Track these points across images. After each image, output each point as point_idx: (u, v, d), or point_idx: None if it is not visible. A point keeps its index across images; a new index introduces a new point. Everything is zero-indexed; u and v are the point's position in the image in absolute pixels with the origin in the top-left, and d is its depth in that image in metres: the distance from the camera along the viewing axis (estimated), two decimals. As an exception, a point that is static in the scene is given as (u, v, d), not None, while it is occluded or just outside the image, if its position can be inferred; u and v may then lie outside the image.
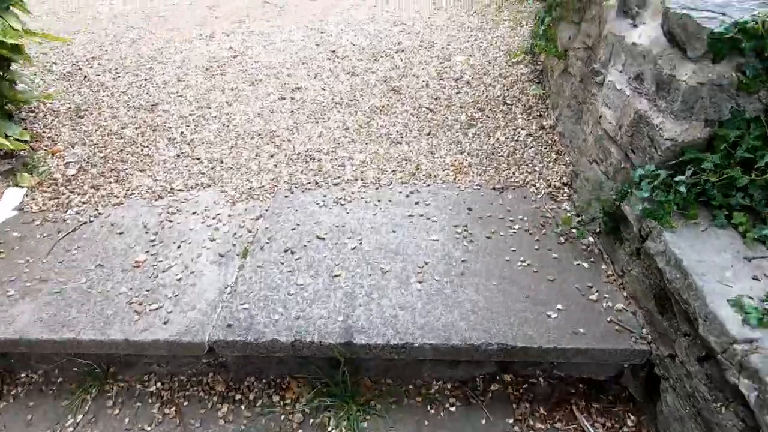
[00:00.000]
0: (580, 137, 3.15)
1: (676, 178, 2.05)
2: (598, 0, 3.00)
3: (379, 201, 3.09)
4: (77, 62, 5.21)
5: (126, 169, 3.54)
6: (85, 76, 4.87)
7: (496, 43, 5.34)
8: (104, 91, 4.61)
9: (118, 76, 4.89)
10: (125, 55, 5.35)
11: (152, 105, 4.38)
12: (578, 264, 2.57)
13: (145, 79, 4.83)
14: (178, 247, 2.81)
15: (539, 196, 3.08)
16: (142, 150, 3.75)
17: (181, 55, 5.37)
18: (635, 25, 2.50)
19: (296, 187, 3.27)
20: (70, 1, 7.12)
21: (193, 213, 3.07)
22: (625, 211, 2.33)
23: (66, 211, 3.15)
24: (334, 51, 5.37)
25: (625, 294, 2.39)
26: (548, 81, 4.19)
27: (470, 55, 5.10)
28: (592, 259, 2.59)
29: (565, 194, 3.09)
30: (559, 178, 3.22)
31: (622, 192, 2.32)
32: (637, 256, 2.32)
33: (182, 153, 3.71)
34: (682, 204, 2.05)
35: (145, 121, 4.12)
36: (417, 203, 3.05)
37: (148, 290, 2.52)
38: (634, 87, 2.42)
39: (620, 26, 2.63)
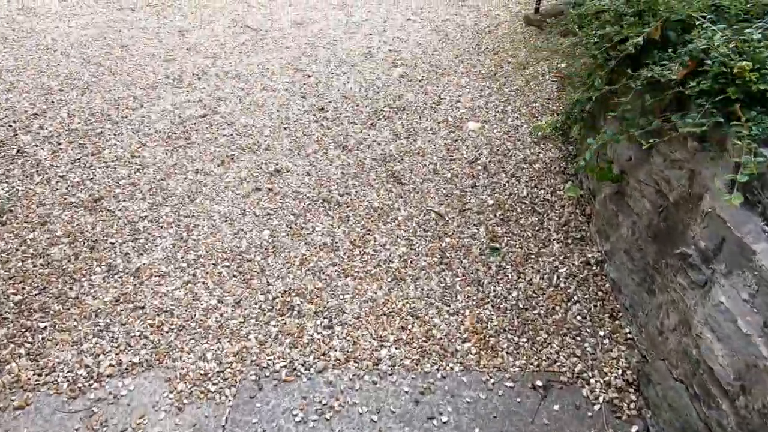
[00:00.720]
0: (652, 320, 2.21)
1: None
2: (687, 144, 2.00)
3: (378, 412, 2.15)
4: (15, 122, 4.14)
5: (45, 327, 2.57)
6: (19, 149, 3.82)
7: (514, 101, 4.31)
8: (39, 175, 3.57)
9: (60, 148, 3.84)
10: (74, 111, 4.28)
11: (95, 200, 3.37)
12: None
13: (93, 153, 3.79)
14: None
15: (597, 408, 2.15)
16: (71, 289, 2.76)
17: (141, 110, 4.31)
18: (777, 237, 1.53)
19: (266, 376, 2.32)
20: (21, 23, 5.94)
21: (123, 431, 2.11)
22: None
23: (-53, 421, 2.18)
24: (322, 108, 4.32)
25: None
26: (586, 178, 3.21)
27: (485, 122, 4.08)
28: None
29: (633, 404, 2.16)
30: (620, 371, 2.28)
31: None
32: None
33: (123, 295, 2.73)
34: None
35: (81, 232, 3.11)
36: (431, 419, 2.12)
37: None
38: (780, 348, 1.46)
39: (740, 220, 1.65)
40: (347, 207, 3.29)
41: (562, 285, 2.68)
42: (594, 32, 2.40)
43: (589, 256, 2.82)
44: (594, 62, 2.45)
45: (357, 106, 4.34)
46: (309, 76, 4.81)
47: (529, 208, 3.21)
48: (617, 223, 2.64)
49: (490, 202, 3.27)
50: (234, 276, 2.83)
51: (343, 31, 5.75)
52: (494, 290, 2.69)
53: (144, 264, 2.89)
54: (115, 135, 3.97)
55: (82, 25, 5.89)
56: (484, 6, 6.26)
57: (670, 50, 2.11)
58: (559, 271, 2.76)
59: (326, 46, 5.41)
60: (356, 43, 5.46)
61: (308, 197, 3.37)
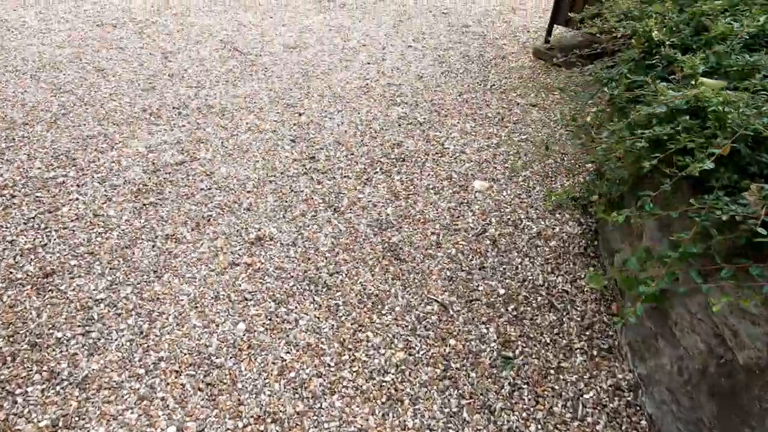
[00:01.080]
0: None
1: None
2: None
3: None
4: (-34, 165, 3.57)
5: (-39, 466, 2.03)
6: (-35, 204, 3.26)
7: (525, 155, 3.79)
8: (-16, 239, 3.01)
9: (13, 203, 3.29)
10: (36, 152, 3.73)
11: (45, 275, 2.83)
12: None
13: (50, 210, 3.24)
14: None
15: None
16: (0, 406, 2.23)
17: (111, 153, 3.76)
18: None
19: None
20: (-10, 39, 5.33)
21: None
22: None
23: None
24: (313, 157, 3.79)
25: None
26: (609, 261, 2.71)
27: (493, 180, 3.56)
28: None
29: None
30: None
31: None
32: None
33: (63, 417, 2.20)
34: None
35: (24, 321, 2.58)
36: None
37: None
38: None
39: None
40: (337, 291, 2.77)
41: (589, 419, 2.18)
42: (639, 132, 1.87)
43: (620, 377, 2.32)
44: (636, 164, 1.93)
45: (351, 154, 3.81)
46: (300, 114, 4.27)
47: (546, 301, 2.70)
48: (656, 348, 2.13)
49: (501, 291, 2.76)
50: (199, 390, 2.31)
51: (339, 58, 5.20)
52: (508, 421, 2.19)
53: (93, 370, 2.37)
54: (78, 186, 3.42)
55: (58, 43, 5.30)
56: (490, 34, 5.72)
57: (741, 172, 1.60)
58: (584, 397, 2.26)
59: (320, 76, 4.86)
60: (353, 73, 4.91)
61: (293, 276, 2.85)
